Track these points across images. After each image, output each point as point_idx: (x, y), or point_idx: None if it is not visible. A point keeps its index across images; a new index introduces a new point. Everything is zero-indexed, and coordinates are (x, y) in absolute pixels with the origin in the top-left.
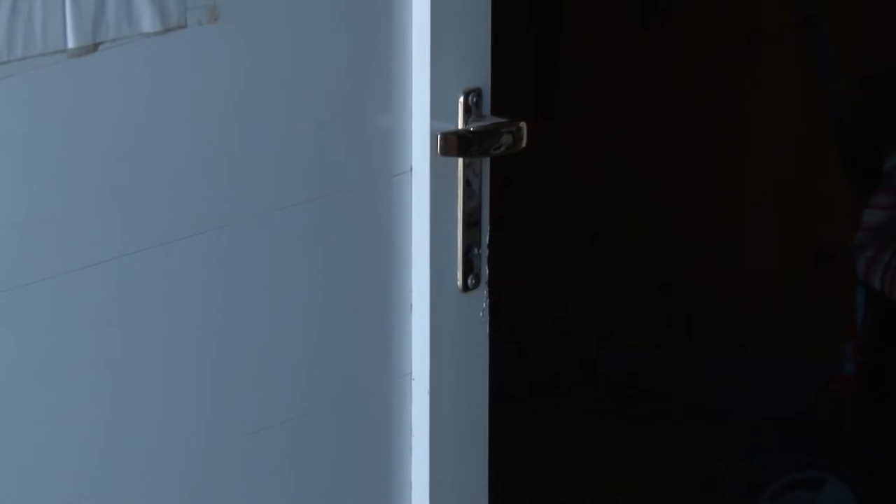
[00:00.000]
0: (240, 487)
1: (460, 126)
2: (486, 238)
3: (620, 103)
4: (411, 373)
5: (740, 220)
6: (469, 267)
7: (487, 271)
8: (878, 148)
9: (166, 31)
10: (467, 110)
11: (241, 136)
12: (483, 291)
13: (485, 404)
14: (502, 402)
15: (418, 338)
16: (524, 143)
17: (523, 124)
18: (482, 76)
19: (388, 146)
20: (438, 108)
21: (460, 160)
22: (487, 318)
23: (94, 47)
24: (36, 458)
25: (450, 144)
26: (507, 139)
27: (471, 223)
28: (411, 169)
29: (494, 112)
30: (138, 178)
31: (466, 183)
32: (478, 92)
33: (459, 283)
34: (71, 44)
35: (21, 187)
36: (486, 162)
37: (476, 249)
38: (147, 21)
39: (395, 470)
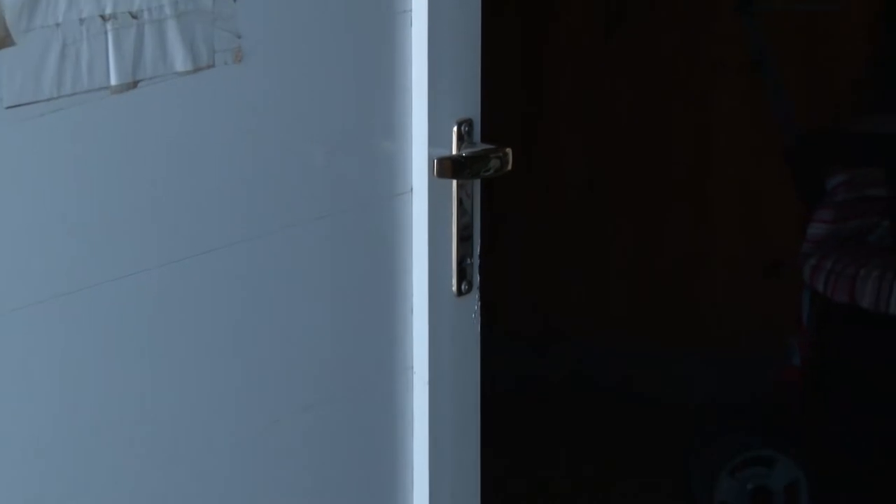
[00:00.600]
0: (263, 470)
1: (454, 152)
2: (477, 249)
3: (596, 129)
4: (412, 367)
5: (703, 233)
6: (462, 274)
7: (479, 278)
8: (821, 170)
9: (197, 70)
10: (460, 138)
11: (263, 161)
12: (475, 296)
13: (477, 394)
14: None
15: (418, 337)
16: (510, 167)
17: (509, 150)
18: (473, 108)
19: (390, 169)
20: (435, 136)
21: (454, 182)
22: (479, 319)
23: (134, 84)
24: (71, 454)
25: (445, 168)
26: (495, 163)
27: (464, 237)
28: (411, 189)
29: (484, 140)
30: (172, 198)
31: (460, 202)
32: (469, 122)
33: (454, 288)
34: (113, 81)
35: (68, 206)
36: (477, 183)
37: (468, 259)
38: (180, 61)
39: (398, 451)
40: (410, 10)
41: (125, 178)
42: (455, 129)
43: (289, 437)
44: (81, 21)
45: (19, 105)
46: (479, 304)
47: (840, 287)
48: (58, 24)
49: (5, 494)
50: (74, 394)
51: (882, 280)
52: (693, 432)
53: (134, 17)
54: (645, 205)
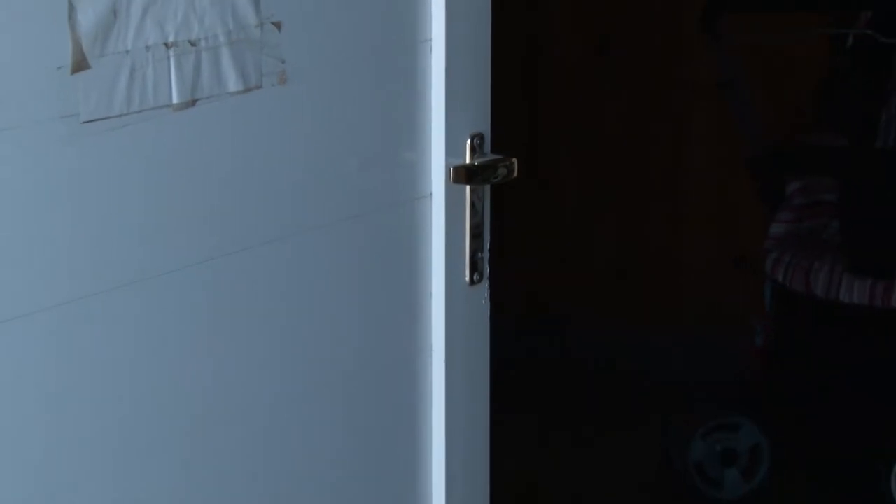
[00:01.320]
0: (303, 438)
1: (467, 161)
2: (486, 245)
3: (587, 140)
4: (431, 347)
5: (680, 230)
6: (474, 266)
7: (488, 270)
8: (781, 178)
9: (247, 90)
10: (473, 150)
11: (304, 168)
12: (485, 285)
13: (486, 369)
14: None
15: (436, 321)
16: (516, 174)
17: (515, 160)
18: (484, 124)
19: (413, 176)
20: (451, 147)
21: (468, 187)
22: (489, 305)
23: (193, 103)
24: (131, 443)
25: (459, 175)
26: (502, 171)
27: (475, 234)
28: (431, 194)
29: (493, 151)
30: (224, 200)
31: (472, 204)
32: (480, 136)
33: (467, 278)
34: (175, 100)
35: (134, 207)
36: (487, 188)
37: (479, 254)
38: (232, 83)
39: (419, 418)
40: (430, 40)
41: (184, 183)
42: (468, 141)
43: (327, 409)
44: (147, 48)
45: (93, 120)
46: (489, 292)
47: (797, 278)
48: (127, 51)
49: (66, 480)
50: (142, 376)
51: (833, 272)
52: (670, 402)
53: (193, 44)
54: (629, 205)
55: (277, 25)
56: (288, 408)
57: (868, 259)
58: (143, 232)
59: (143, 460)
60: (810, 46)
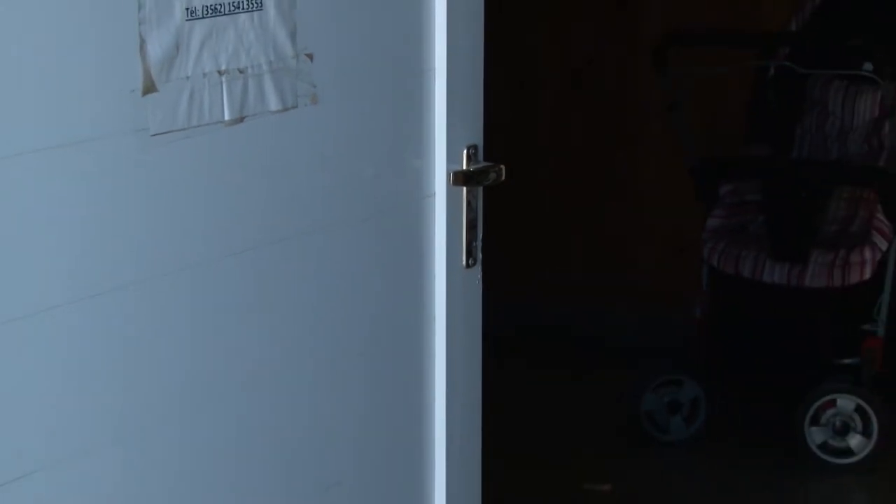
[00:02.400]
0: (332, 397)
1: (464, 167)
2: (479, 235)
3: (561, 150)
4: (435, 317)
5: (637, 225)
6: (470, 253)
7: (481, 256)
8: (715, 182)
9: (285, 109)
10: (469, 158)
11: (331, 173)
12: (478, 268)
13: (479, 335)
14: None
15: (439, 296)
16: (503, 178)
17: (503, 167)
18: (478, 137)
19: (420, 180)
20: (451, 156)
21: (464, 188)
22: (481, 284)
23: (241, 119)
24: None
25: (458, 179)
26: (493, 176)
27: (471, 227)
28: (434, 194)
29: (485, 159)
30: (265, 198)
31: (468, 203)
32: (475, 147)
33: (464, 262)
34: (226, 117)
35: (193, 203)
36: (480, 190)
37: (474, 243)
38: (273, 103)
39: (425, 371)
40: (434, 69)
41: (233, 184)
42: (465, 151)
43: (353, 366)
44: (204, 75)
45: (160, 133)
46: (481, 273)
47: (728, 263)
48: (187, 77)
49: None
50: (200, 345)
51: (757, 258)
52: (626, 363)
53: (241, 72)
54: (595, 203)
55: (310, 56)
56: (320, 366)
57: (786, 248)
58: (199, 224)
59: (205, 414)
60: (740, 76)
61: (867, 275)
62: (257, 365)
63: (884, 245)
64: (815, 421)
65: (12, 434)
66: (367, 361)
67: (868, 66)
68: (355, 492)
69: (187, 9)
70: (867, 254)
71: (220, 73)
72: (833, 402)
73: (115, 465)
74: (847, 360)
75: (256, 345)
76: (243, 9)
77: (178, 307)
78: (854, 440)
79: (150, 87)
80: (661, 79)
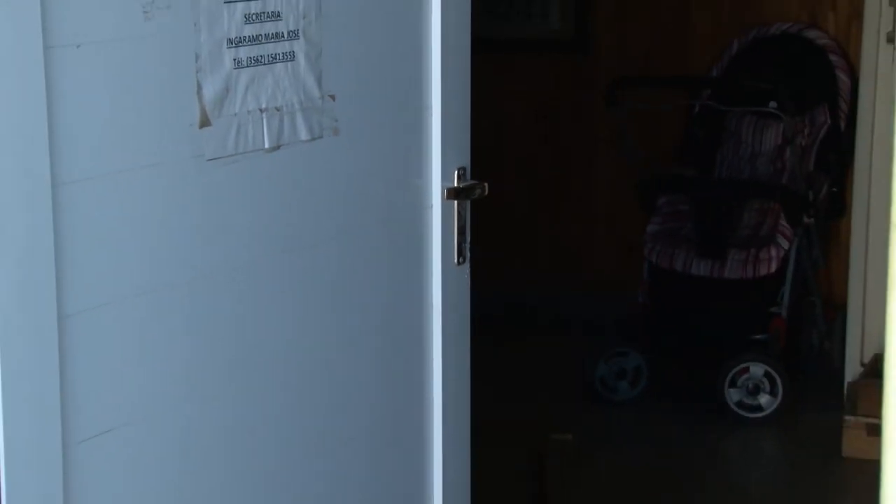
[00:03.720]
0: (356, 369)
1: (456, 184)
2: (468, 238)
3: (528, 171)
4: (433, 303)
5: (592, 228)
6: (460, 253)
7: (469, 255)
8: (653, 195)
9: (313, 139)
10: (459, 177)
11: (351, 189)
12: (467, 265)
13: (468, 318)
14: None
15: (436, 287)
16: (486, 193)
17: (486, 184)
18: (466, 161)
19: (421, 194)
20: (445, 176)
21: (456, 202)
22: (469, 278)
23: (278, 147)
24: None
25: (450, 194)
26: (478, 191)
27: (461, 232)
28: (432, 205)
29: (472, 178)
30: (299, 209)
31: (458, 213)
32: (464, 168)
33: (455, 261)
34: (266, 146)
35: (241, 215)
36: (468, 202)
37: (463, 244)
38: (303, 134)
39: (425, 345)
40: (431, 107)
41: (272, 199)
42: (456, 172)
43: (369, 342)
44: (248, 112)
45: (213, 159)
46: (469, 269)
47: (664, 259)
48: (235, 114)
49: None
50: (249, 324)
51: (687, 256)
52: (583, 339)
53: (277, 109)
54: (558, 213)
55: (332, 97)
56: (343, 341)
57: (709, 247)
58: (245, 230)
59: (252, 378)
60: (673, 112)
61: (773, 269)
62: (293, 340)
63: (786, 245)
64: (732, 384)
65: (105, 397)
66: (380, 338)
67: (773, 104)
68: (369, 443)
69: (234, 59)
70: (773, 252)
71: (261, 110)
72: (747, 369)
73: (184, 419)
74: (758, 336)
75: (292, 324)
76: (279, 59)
77: (229, 296)
78: (763, 399)
79: (205, 122)
80: (612, 114)
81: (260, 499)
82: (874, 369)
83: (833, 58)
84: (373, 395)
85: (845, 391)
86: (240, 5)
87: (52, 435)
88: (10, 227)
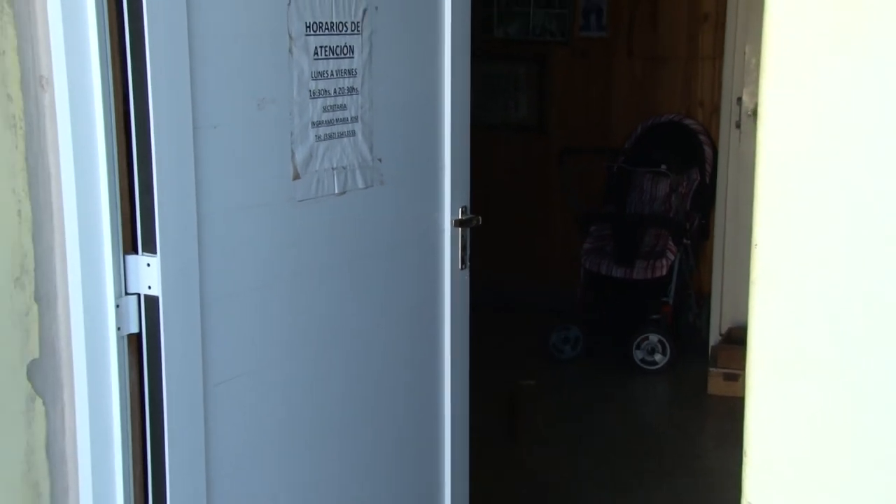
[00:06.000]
0: (392, 347)
1: (460, 217)
2: (468, 252)
3: (502, 199)
4: (445, 295)
5: (549, 247)
6: (463, 261)
7: (469, 264)
8: (587, 224)
9: (367, 187)
10: (462, 212)
11: (392, 220)
12: (467, 270)
13: (467, 305)
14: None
15: (447, 286)
16: (480, 223)
17: (480, 217)
18: (467, 201)
19: (438, 223)
20: (453, 211)
21: (460, 229)
22: (468, 279)
23: (344, 192)
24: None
25: (456, 223)
26: (475, 222)
27: (463, 248)
28: (445, 231)
29: (471, 212)
30: (356, 232)
31: (462, 235)
32: (465, 206)
33: (460, 265)
34: (336, 191)
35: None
36: (469, 230)
37: (466, 255)
38: (360, 183)
39: (439, 329)
40: (444, 167)
41: (340, 225)
42: (460, 209)
43: (402, 327)
44: (325, 170)
45: (303, 200)
46: (469, 272)
47: (594, 266)
48: (316, 171)
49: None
50: (320, 315)
51: (609, 264)
52: (542, 318)
53: (344, 168)
54: (528, 235)
55: (380, 160)
56: (389, 321)
57: (623, 258)
58: (323, 246)
59: (330, 344)
60: (600, 170)
61: (664, 272)
62: (353, 320)
63: (672, 257)
64: (637, 347)
65: (231, 354)
66: (412, 317)
67: (664, 166)
68: (405, 394)
69: (316, 135)
70: (664, 262)
71: (332, 168)
72: (647, 338)
73: (284, 374)
74: (654, 316)
75: (353, 310)
76: (345, 135)
77: (312, 290)
78: (657, 357)
79: (296, 176)
80: (560, 172)
81: (331, 432)
82: (728, 337)
83: (702, 137)
84: (407, 358)
85: (709, 352)
86: (319, 100)
87: (196, 378)
88: (180, 244)
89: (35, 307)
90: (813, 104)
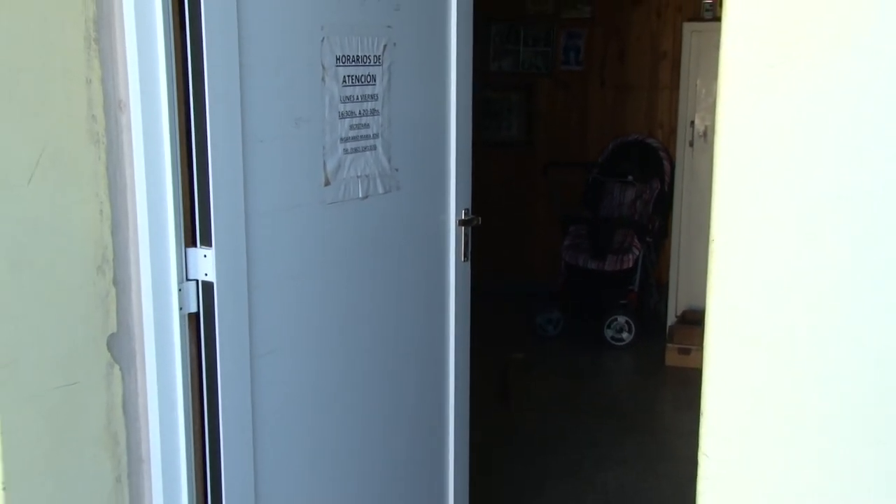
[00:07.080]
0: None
1: (463, 218)
2: (470, 247)
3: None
4: (450, 283)
5: (537, 244)
6: (465, 255)
7: (469, 256)
8: (568, 224)
9: (386, 192)
10: (465, 213)
11: (407, 219)
12: (469, 262)
13: (468, 292)
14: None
15: (452, 276)
16: (480, 223)
17: (480, 217)
18: (469, 204)
19: (445, 223)
20: (458, 212)
21: (463, 227)
22: (469, 270)
23: (366, 197)
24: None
25: (460, 224)
26: (475, 221)
27: (465, 243)
28: (451, 229)
29: (473, 213)
30: (377, 231)
31: (464, 233)
32: (468, 208)
33: (463, 258)
34: (360, 196)
35: (348, 235)
36: (470, 228)
37: (468, 248)
38: (381, 189)
39: (446, 310)
40: (450, 173)
41: (363, 224)
42: (463, 210)
43: (414, 313)
44: (351, 178)
45: (332, 203)
46: (470, 265)
47: (572, 259)
48: (343, 178)
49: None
50: (344, 303)
51: (585, 257)
52: (530, 302)
53: (367, 176)
54: (520, 234)
55: (397, 169)
56: (403, 308)
57: (597, 253)
58: (349, 242)
59: (358, 322)
60: (579, 180)
61: (630, 265)
62: (373, 304)
63: (637, 252)
64: (608, 327)
65: (272, 330)
66: (422, 302)
67: (630, 177)
68: (416, 368)
69: (344, 149)
70: (630, 256)
71: (357, 176)
72: (616, 319)
73: (316, 349)
74: (622, 301)
75: (373, 295)
76: (368, 149)
77: (339, 278)
78: (624, 335)
79: (327, 182)
80: (546, 182)
81: (355, 398)
82: (683, 318)
83: (661, 153)
84: (418, 335)
85: (667, 331)
86: (347, 120)
87: (243, 350)
88: (231, 238)
89: (113, 290)
90: (763, 120)
